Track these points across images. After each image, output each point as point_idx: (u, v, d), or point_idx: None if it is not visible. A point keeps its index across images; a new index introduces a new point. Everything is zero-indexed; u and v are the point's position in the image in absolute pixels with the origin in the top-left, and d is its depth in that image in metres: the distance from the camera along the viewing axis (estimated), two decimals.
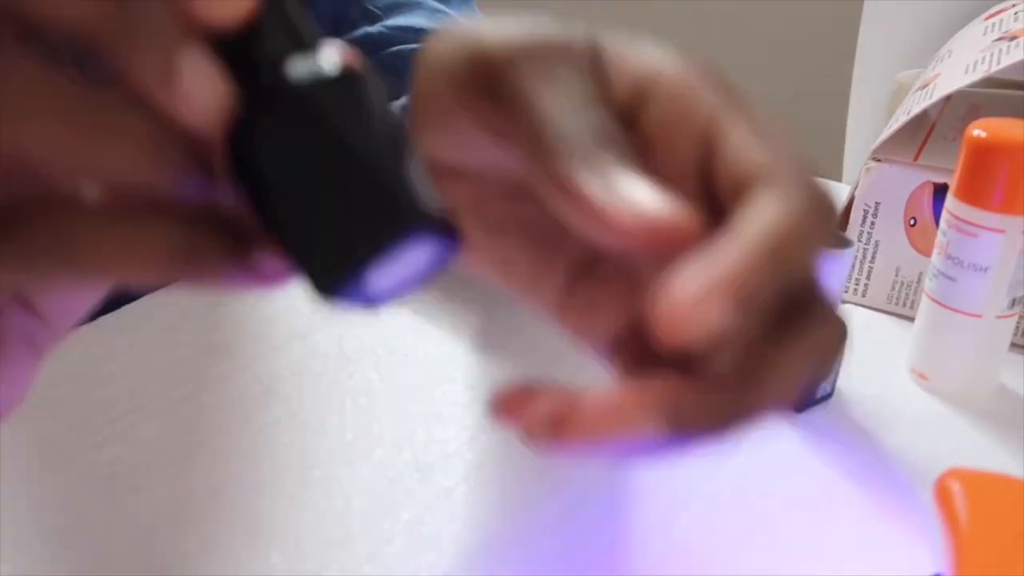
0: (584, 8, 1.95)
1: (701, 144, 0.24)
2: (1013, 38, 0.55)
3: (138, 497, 0.42)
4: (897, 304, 0.59)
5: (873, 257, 0.59)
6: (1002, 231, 0.46)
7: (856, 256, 0.59)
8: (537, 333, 0.56)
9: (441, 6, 0.69)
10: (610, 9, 1.91)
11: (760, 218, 0.21)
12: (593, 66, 0.24)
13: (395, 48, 0.63)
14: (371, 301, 0.21)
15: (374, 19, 0.67)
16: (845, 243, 0.46)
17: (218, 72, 0.20)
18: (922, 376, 0.52)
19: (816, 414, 0.49)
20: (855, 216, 0.58)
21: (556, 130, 0.23)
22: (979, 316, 0.48)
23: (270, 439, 0.45)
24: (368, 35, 0.64)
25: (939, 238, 0.49)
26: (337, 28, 0.68)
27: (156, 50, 0.19)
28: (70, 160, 0.20)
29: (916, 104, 0.57)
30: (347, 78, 0.21)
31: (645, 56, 0.25)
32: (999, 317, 0.49)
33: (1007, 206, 0.46)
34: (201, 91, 0.20)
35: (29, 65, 0.19)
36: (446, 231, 0.21)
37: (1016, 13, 0.60)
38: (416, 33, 0.63)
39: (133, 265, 0.21)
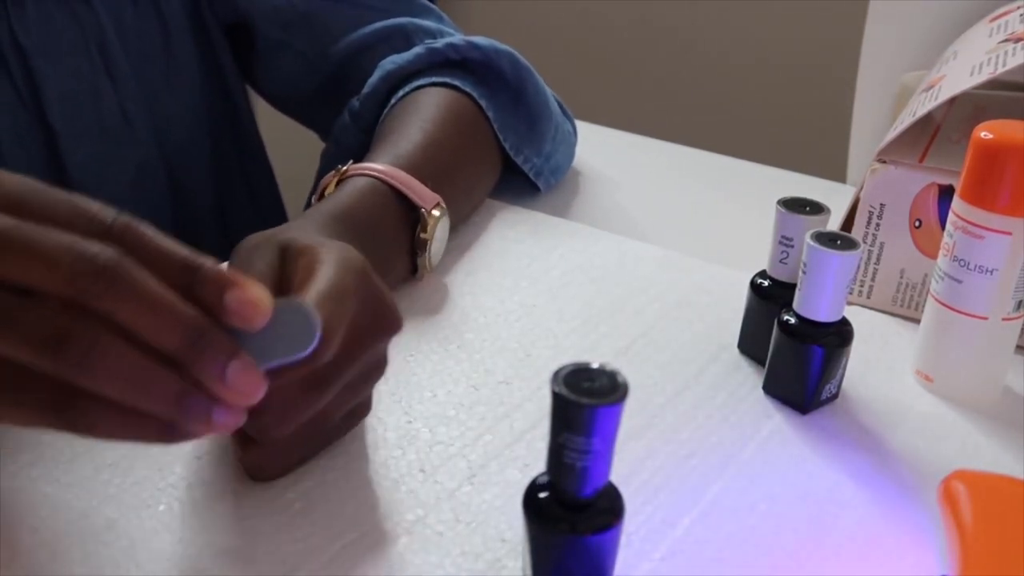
0: (586, 8, 1.95)
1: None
2: (1018, 40, 0.55)
3: (142, 497, 0.42)
4: (902, 306, 0.59)
5: (878, 259, 0.58)
6: (1008, 233, 0.46)
7: (861, 258, 0.59)
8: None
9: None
10: (613, 9, 1.91)
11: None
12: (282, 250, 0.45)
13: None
14: None
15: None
16: (852, 244, 0.46)
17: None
18: (927, 378, 0.52)
19: (821, 415, 0.49)
20: (860, 218, 0.58)
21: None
22: (985, 318, 0.48)
23: None
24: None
25: (945, 240, 0.49)
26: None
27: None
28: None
29: (921, 106, 0.57)
30: None
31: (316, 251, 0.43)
32: (1005, 319, 0.48)
33: (1014, 208, 0.46)
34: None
35: None
36: None
37: (1022, 15, 0.60)
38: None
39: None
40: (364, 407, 0.46)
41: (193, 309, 0.33)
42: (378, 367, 0.44)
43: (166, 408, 0.33)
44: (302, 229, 0.48)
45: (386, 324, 0.43)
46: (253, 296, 0.34)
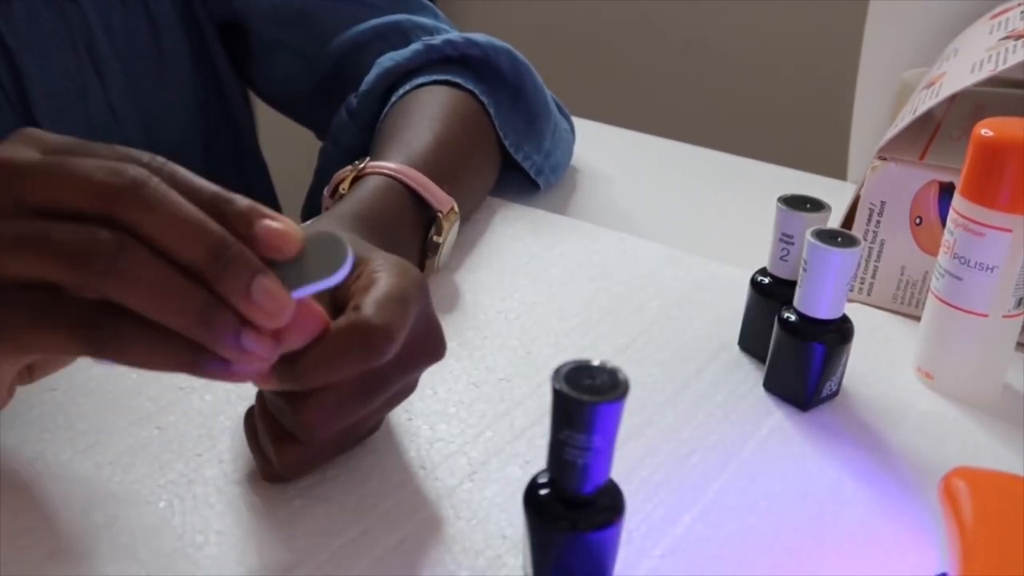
0: (586, 7, 1.95)
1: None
2: (1019, 37, 0.55)
3: (142, 494, 0.42)
4: (903, 303, 0.59)
5: (879, 256, 0.58)
6: (1009, 230, 0.46)
7: (862, 255, 0.58)
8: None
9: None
10: (613, 8, 1.91)
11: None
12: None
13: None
14: None
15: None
16: (852, 242, 0.46)
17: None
18: (928, 375, 0.52)
19: (822, 413, 0.49)
20: (860, 215, 0.58)
21: None
22: (985, 316, 0.48)
23: None
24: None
25: (946, 237, 0.49)
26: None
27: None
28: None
29: (922, 103, 0.57)
30: None
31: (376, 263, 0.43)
32: (1005, 316, 0.48)
33: (1014, 205, 0.46)
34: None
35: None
36: None
37: (1022, 12, 0.60)
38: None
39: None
40: (377, 424, 0.47)
41: (220, 227, 0.34)
42: (409, 388, 0.44)
43: (191, 321, 0.33)
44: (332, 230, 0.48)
45: (434, 347, 0.43)
46: (283, 226, 0.35)
